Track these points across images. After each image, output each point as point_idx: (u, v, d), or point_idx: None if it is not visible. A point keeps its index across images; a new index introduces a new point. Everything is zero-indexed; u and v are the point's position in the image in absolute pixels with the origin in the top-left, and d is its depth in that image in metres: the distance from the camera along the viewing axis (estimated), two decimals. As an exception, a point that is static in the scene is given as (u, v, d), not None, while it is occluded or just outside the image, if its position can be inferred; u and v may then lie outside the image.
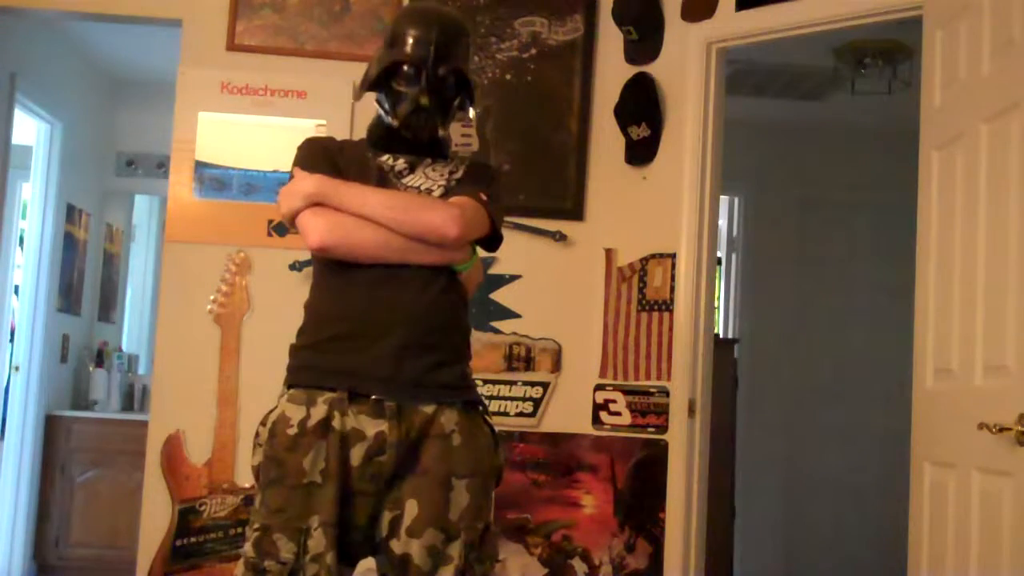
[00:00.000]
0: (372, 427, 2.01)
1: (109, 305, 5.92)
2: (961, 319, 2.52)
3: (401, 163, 2.18)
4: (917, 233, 2.80)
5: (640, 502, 3.48)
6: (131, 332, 6.06)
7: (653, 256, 3.55)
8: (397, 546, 2.00)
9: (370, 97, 2.21)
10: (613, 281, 3.58)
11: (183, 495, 3.45)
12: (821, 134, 5.68)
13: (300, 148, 2.21)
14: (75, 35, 5.07)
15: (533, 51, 3.63)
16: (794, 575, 5.62)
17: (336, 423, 2.01)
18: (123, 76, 5.62)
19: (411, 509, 2.00)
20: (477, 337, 3.31)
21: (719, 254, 5.59)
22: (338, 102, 3.51)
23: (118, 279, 6.02)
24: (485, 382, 3.47)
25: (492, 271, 3.50)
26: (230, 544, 3.41)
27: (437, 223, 2.04)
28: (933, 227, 2.71)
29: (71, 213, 5.41)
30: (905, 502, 2.76)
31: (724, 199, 5.28)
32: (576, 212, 3.60)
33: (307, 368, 2.08)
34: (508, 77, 3.62)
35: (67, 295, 5.42)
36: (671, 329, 3.49)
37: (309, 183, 2.08)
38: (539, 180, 3.60)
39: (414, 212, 2.05)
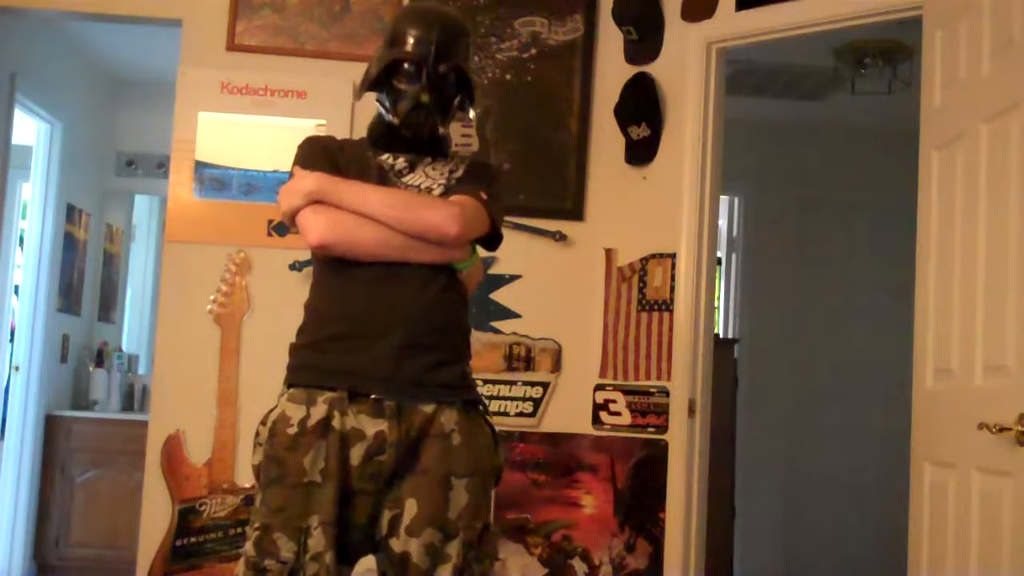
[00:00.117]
0: (372, 426, 2.01)
1: (109, 305, 5.92)
2: (961, 319, 2.52)
3: (401, 162, 2.18)
4: (917, 233, 2.80)
5: (640, 502, 3.48)
6: (131, 332, 6.06)
7: (653, 256, 3.55)
8: (396, 545, 2.00)
9: (370, 97, 2.22)
10: (613, 281, 3.58)
11: (183, 495, 3.45)
12: (821, 134, 5.68)
13: (300, 147, 2.21)
14: (75, 35, 5.07)
15: (533, 51, 3.63)
16: (794, 575, 5.62)
17: (336, 422, 2.01)
18: (123, 76, 5.62)
19: (410, 508, 2.00)
20: (477, 337, 3.31)
21: (719, 254, 5.59)
22: (338, 102, 3.51)
23: (118, 279, 6.02)
24: (485, 382, 3.47)
25: (492, 271, 3.50)
26: (230, 544, 3.41)
27: (437, 221, 2.04)
28: (933, 227, 2.71)
29: (71, 213, 5.41)
30: (905, 502, 2.76)
31: (724, 199, 5.28)
32: (576, 212, 3.60)
33: (307, 367, 2.08)
34: (508, 77, 3.62)
35: (67, 295, 5.42)
36: (671, 329, 3.49)
37: (309, 181, 2.08)
38: (539, 180, 3.60)
39: (414, 210, 2.05)
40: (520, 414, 3.53)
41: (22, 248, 5.29)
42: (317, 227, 2.04)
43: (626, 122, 3.56)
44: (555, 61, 3.63)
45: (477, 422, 2.11)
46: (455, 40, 2.14)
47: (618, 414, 3.51)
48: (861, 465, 5.55)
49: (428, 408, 2.04)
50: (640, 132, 3.54)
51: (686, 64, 3.54)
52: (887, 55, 4.50)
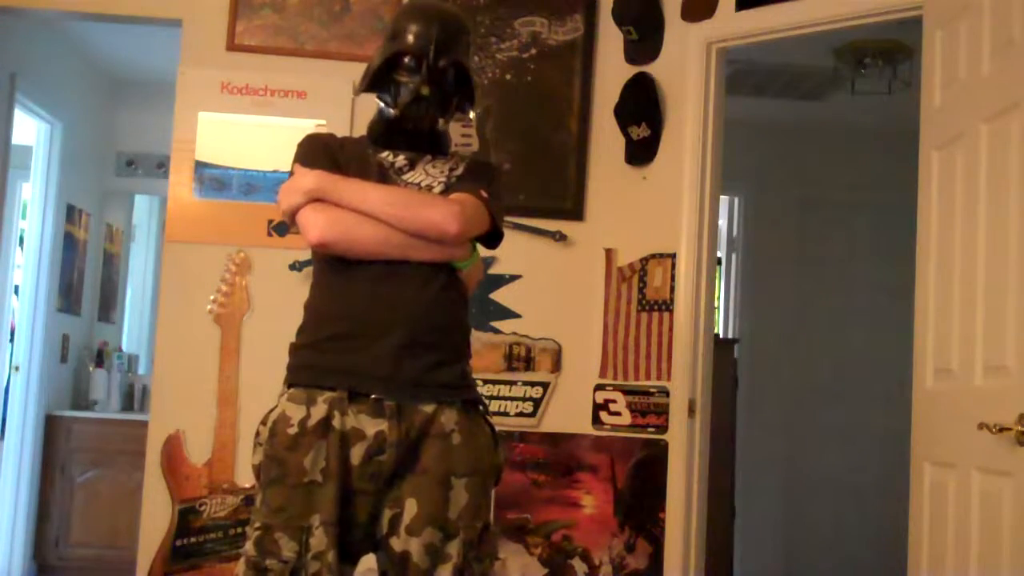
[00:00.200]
0: (372, 426, 2.01)
1: (109, 305, 5.92)
2: (961, 319, 2.52)
3: (401, 159, 2.18)
4: (917, 233, 2.80)
5: (640, 502, 3.48)
6: (131, 332, 6.06)
7: (653, 256, 3.55)
8: (397, 544, 2.00)
9: (371, 97, 2.22)
10: (613, 281, 3.58)
11: (183, 495, 3.45)
12: (821, 134, 5.68)
13: (300, 144, 2.21)
14: (75, 35, 5.07)
15: (533, 51, 3.63)
16: (794, 575, 5.62)
17: (336, 422, 2.01)
18: (123, 76, 5.62)
19: (411, 507, 2.00)
20: (477, 337, 3.32)
21: (719, 254, 5.59)
22: (338, 102, 3.51)
23: (118, 279, 6.02)
24: (485, 382, 3.47)
25: (492, 271, 3.50)
26: (230, 544, 3.41)
27: (437, 219, 2.04)
28: (933, 227, 2.71)
29: (71, 213, 5.41)
30: (905, 502, 2.76)
31: (724, 199, 5.28)
32: (576, 212, 3.60)
33: (307, 367, 2.08)
34: (508, 77, 3.62)
35: (67, 295, 5.42)
36: (671, 329, 3.49)
37: (309, 179, 2.08)
38: (539, 180, 3.60)
39: (414, 208, 2.05)
40: (520, 414, 3.53)
41: (22, 248, 5.29)
42: (317, 225, 2.04)
43: (626, 122, 3.56)
44: (555, 61, 3.63)
45: (477, 422, 2.11)
46: (455, 36, 2.14)
47: (618, 414, 3.51)
48: (861, 465, 5.55)
49: (428, 408, 2.04)
50: (640, 132, 3.54)
51: (686, 64, 3.54)
52: (887, 55, 4.50)
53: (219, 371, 3.49)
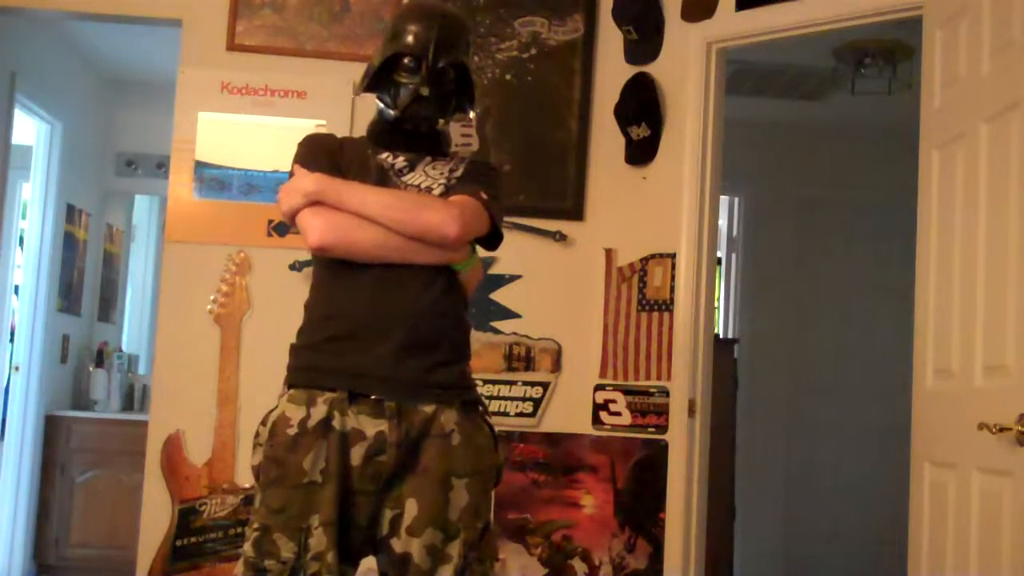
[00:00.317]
0: (372, 427, 2.01)
1: (109, 305, 5.92)
2: (961, 319, 2.52)
3: (401, 161, 2.18)
4: (917, 233, 2.80)
5: (640, 502, 3.48)
6: (131, 332, 6.06)
7: (653, 256, 3.55)
8: (397, 545, 2.00)
9: (370, 97, 2.22)
10: (613, 281, 3.58)
11: (183, 495, 3.45)
12: (821, 134, 5.68)
13: (300, 145, 2.21)
14: (75, 35, 5.07)
15: (533, 51, 3.63)
16: (794, 575, 5.62)
17: (336, 423, 2.01)
18: (123, 76, 5.61)
19: (411, 508, 2.00)
20: (477, 337, 3.32)
21: (719, 254, 5.59)
22: (338, 102, 3.52)
23: (118, 279, 6.02)
24: (485, 382, 3.47)
25: (492, 271, 3.50)
26: (230, 544, 3.41)
27: (436, 222, 2.04)
28: (933, 227, 2.71)
29: (71, 213, 5.41)
30: (905, 502, 2.76)
31: (724, 199, 5.28)
32: (576, 212, 3.60)
33: (307, 368, 2.08)
34: (508, 77, 3.62)
35: (67, 295, 5.42)
36: (671, 329, 3.49)
37: (309, 182, 2.08)
38: (539, 180, 3.60)
39: (414, 212, 2.05)
40: (520, 414, 3.53)
41: (22, 248, 5.29)
42: (316, 229, 2.04)
43: (626, 122, 3.56)
44: (555, 61, 3.63)
45: (477, 422, 2.11)
46: (455, 36, 2.14)
47: (618, 414, 3.51)
48: (861, 465, 5.55)
49: (428, 408, 2.04)
50: (640, 132, 3.54)
51: (686, 64, 3.54)
52: (887, 55, 4.50)
53: (219, 371, 3.49)
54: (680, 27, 3.57)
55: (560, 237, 3.60)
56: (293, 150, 2.20)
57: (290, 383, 2.09)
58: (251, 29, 3.61)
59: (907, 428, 2.78)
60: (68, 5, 3.72)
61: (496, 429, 2.18)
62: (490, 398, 3.49)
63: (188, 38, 3.62)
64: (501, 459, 2.17)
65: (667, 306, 3.50)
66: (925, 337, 2.71)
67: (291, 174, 2.15)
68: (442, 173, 2.18)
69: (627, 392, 3.52)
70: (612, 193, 3.60)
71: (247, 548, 1.99)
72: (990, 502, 2.33)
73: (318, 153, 2.16)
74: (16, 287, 5.37)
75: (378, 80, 2.16)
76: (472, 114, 2.30)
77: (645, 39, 3.59)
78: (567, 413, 3.54)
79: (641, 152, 3.57)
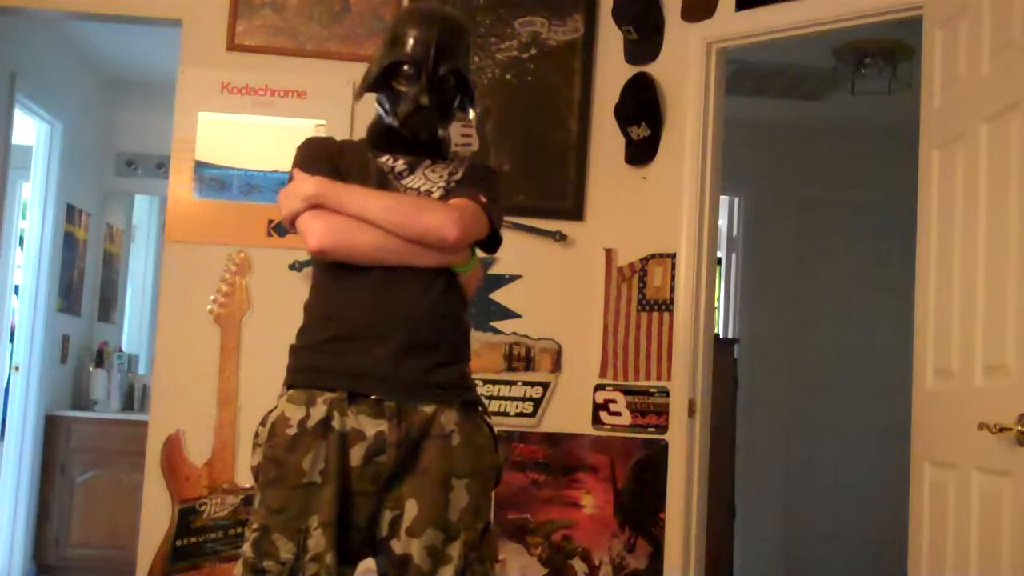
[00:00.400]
0: (372, 427, 2.00)
1: (109, 305, 5.93)
2: (961, 319, 2.52)
3: (401, 164, 2.17)
4: (917, 233, 2.80)
5: (640, 502, 3.48)
6: (131, 332, 6.06)
7: (653, 256, 3.55)
8: (397, 546, 2.00)
9: (370, 97, 2.22)
10: (613, 281, 3.58)
11: (183, 495, 3.45)
12: (821, 134, 5.68)
13: (300, 148, 2.20)
14: (75, 35, 5.07)
15: (533, 51, 3.63)
16: (794, 575, 5.62)
17: (336, 423, 2.01)
18: (123, 76, 5.61)
19: (411, 509, 2.00)
20: (477, 337, 3.32)
21: (719, 254, 5.59)
22: (338, 102, 3.51)
23: (118, 279, 6.02)
24: (485, 382, 3.47)
25: (492, 271, 3.50)
26: (230, 544, 3.41)
27: (436, 226, 2.04)
28: (933, 227, 2.71)
29: (71, 213, 5.41)
30: (905, 502, 2.76)
31: (724, 199, 5.28)
32: (576, 212, 3.60)
33: (307, 369, 2.08)
34: (508, 77, 3.62)
35: (67, 295, 5.42)
36: (671, 329, 3.48)
37: (309, 185, 2.08)
38: (539, 180, 3.60)
39: (413, 215, 2.05)
40: (520, 414, 3.53)
41: (22, 248, 5.29)
42: (316, 232, 2.04)
43: (626, 122, 3.56)
44: (555, 61, 3.63)
45: (476, 423, 2.11)
46: (455, 41, 2.14)
47: (618, 414, 3.51)
48: (861, 465, 5.55)
49: (428, 408, 2.04)
50: (640, 132, 3.54)
51: (686, 64, 3.54)
52: (887, 55, 4.50)
53: (219, 371, 3.49)
54: (680, 27, 3.57)
55: (560, 237, 3.60)
56: (293, 150, 2.20)
57: (290, 384, 2.09)
58: (251, 29, 3.61)
59: (907, 428, 2.78)
60: (68, 5, 3.72)
61: (496, 429, 2.18)
62: (490, 398, 3.49)
63: (188, 38, 3.62)
64: (501, 459, 2.17)
65: (667, 306, 3.50)
66: (925, 337, 2.71)
67: (291, 178, 2.15)
68: (441, 176, 2.18)
69: (627, 392, 3.52)
70: (612, 193, 3.60)
71: (246, 548, 1.99)
72: (990, 502, 2.33)
73: (318, 156, 2.16)
74: (16, 287, 5.37)
75: (377, 87, 2.16)
76: (472, 114, 2.30)
77: (645, 39, 3.59)
78: (567, 413, 3.54)
79: (641, 152, 3.57)
